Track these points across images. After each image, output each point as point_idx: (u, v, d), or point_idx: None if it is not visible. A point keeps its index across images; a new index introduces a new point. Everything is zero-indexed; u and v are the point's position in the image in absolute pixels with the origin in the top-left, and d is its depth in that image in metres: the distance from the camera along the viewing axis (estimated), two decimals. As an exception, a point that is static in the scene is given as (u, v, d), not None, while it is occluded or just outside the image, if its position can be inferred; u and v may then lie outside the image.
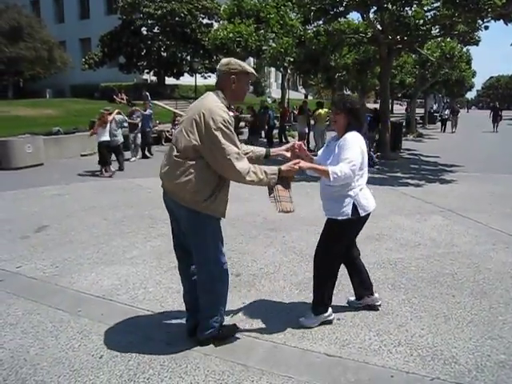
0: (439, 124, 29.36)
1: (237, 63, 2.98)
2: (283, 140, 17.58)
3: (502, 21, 12.46)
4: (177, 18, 28.89)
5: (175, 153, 2.91)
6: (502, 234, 5.87)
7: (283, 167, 3.03)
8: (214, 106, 2.84)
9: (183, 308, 3.72)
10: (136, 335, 3.30)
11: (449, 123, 27.71)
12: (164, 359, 2.99)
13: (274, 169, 2.99)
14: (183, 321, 3.48)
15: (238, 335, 3.29)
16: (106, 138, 10.66)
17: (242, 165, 2.84)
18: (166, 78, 32.97)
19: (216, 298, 3.09)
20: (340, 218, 3.23)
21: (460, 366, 2.93)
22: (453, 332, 3.36)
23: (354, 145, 3.17)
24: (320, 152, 3.55)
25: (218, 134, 2.76)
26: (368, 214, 3.34)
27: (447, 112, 29.62)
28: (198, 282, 3.09)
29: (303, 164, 3.11)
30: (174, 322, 3.53)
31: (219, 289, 3.09)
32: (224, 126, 2.78)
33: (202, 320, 3.14)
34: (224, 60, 3.04)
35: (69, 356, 3.04)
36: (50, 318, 3.57)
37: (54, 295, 4.03)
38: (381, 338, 3.27)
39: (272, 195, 2.99)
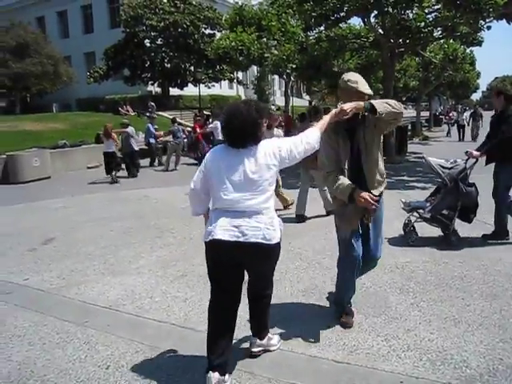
0: (445, 127, 27.53)
1: (343, 81, 3.21)
2: None
3: (504, 20, 12.43)
4: (179, 30, 29.04)
5: None
6: None
7: None
8: None
9: (189, 317, 3.73)
10: (142, 345, 3.28)
11: (468, 130, 21.93)
12: (170, 369, 2.97)
13: None
14: (189, 330, 3.48)
15: (243, 343, 3.26)
16: (107, 149, 11.55)
17: None
18: (171, 88, 33.13)
19: None
20: None
21: (471, 370, 2.87)
22: (463, 335, 3.30)
23: None
24: None
25: None
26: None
27: (465, 116, 23.20)
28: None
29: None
30: (180, 330, 3.51)
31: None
32: None
33: None
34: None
35: (75, 367, 3.03)
36: (56, 330, 3.56)
37: (60, 307, 4.03)
38: (389, 343, 3.22)
39: None
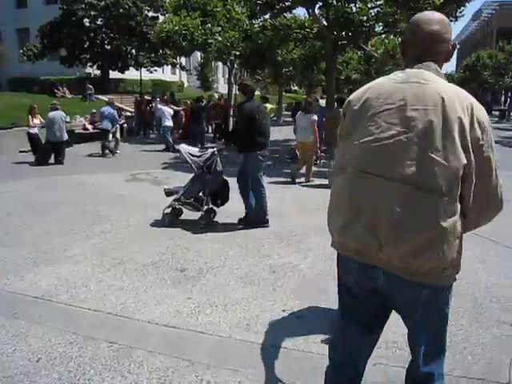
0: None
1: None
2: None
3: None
4: (121, 10, 27.95)
5: (421, 197, 1.60)
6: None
7: None
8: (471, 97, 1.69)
9: (126, 305, 3.63)
10: (76, 335, 3.16)
11: None
12: (106, 359, 2.89)
13: None
14: (126, 319, 3.40)
15: (182, 330, 3.23)
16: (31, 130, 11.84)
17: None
18: (111, 71, 31.90)
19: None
20: None
21: (401, 350, 3.01)
22: (395, 318, 3.44)
23: None
24: None
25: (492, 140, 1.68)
26: None
27: None
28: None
29: None
30: (116, 319, 3.42)
31: None
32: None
33: None
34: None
35: (2, 362, 2.87)
36: (-18, 323, 3.36)
37: (-13, 298, 3.80)
38: (326, 328, 3.30)
39: None
